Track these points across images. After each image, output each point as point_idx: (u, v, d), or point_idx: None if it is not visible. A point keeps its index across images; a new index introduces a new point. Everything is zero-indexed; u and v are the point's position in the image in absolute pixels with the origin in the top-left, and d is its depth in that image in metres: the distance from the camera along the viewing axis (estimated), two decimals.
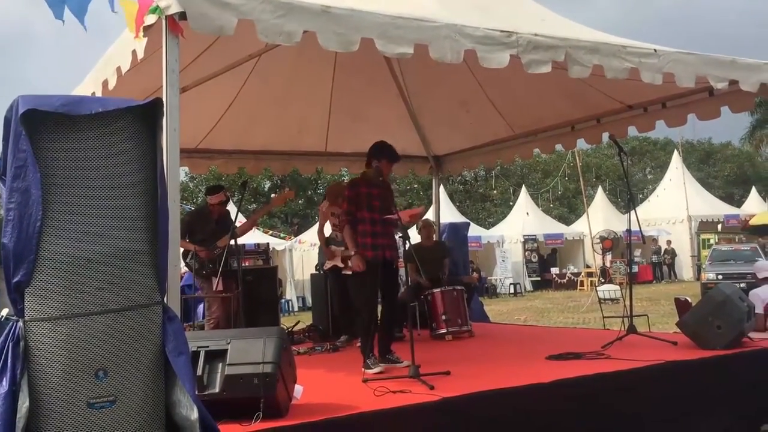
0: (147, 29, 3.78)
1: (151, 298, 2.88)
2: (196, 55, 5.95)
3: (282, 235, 26.10)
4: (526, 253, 27.46)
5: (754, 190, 34.90)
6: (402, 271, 6.25)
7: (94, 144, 2.78)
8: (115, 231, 2.78)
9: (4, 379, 2.59)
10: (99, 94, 4.74)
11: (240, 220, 7.82)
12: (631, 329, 6.29)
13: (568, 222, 32.98)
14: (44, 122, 2.69)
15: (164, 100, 3.48)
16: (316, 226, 8.61)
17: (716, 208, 29.96)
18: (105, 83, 4.64)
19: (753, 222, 29.08)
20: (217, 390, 3.66)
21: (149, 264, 2.88)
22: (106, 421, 2.70)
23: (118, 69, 4.37)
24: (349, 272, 5.48)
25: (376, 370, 5.19)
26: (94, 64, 5.21)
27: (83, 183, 2.75)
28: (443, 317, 7.30)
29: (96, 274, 2.73)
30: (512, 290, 25.37)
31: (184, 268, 7.25)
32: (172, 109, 3.58)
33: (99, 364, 2.70)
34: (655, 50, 5.08)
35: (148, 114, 2.92)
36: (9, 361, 2.61)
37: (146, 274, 2.86)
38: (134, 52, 4.00)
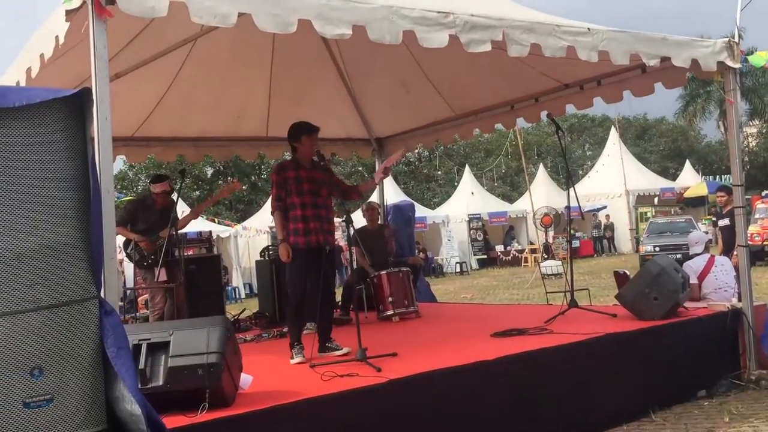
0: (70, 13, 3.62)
1: (87, 293, 2.80)
2: (130, 39, 5.77)
3: (225, 220, 25.75)
4: (471, 232, 27.79)
5: (687, 163, 36.09)
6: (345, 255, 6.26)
7: (20, 136, 2.68)
8: (45, 224, 2.69)
9: None
10: (23, 82, 4.55)
11: (183, 211, 7.67)
12: (573, 303, 6.44)
13: (511, 200, 33.47)
14: None
15: (93, 88, 3.36)
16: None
17: (652, 182, 30.84)
18: (29, 71, 4.45)
19: (687, 194, 30.15)
20: (160, 383, 3.60)
21: (83, 257, 2.79)
22: (43, 420, 2.63)
23: (41, 56, 4.19)
24: None
25: (297, 360, 5.13)
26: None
27: (10, 175, 2.64)
28: (389, 299, 7.34)
29: (26, 269, 2.64)
30: (458, 269, 25.66)
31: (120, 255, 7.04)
32: (103, 97, 3.46)
33: (33, 363, 2.62)
34: (589, 29, 5.15)
35: (77, 103, 2.83)
36: None
37: (80, 268, 2.78)
38: (57, 38, 3.84)
